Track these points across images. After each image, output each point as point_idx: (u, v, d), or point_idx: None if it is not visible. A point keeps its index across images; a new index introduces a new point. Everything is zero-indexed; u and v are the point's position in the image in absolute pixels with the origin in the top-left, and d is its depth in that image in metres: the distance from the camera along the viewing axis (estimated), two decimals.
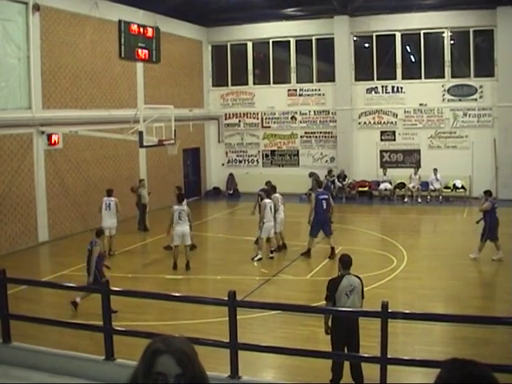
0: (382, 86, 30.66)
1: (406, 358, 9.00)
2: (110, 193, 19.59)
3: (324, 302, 9.54)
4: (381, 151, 30.89)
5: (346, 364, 9.20)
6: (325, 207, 18.47)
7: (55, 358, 8.80)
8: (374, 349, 8.41)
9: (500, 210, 21.94)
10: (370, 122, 30.99)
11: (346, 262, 9.58)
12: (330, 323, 9.25)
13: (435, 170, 28.66)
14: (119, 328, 9.59)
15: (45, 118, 21.29)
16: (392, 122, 30.61)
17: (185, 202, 17.95)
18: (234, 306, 8.30)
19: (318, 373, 9.50)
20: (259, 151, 33.15)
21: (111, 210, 19.19)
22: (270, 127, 32.81)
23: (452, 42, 29.84)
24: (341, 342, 9.11)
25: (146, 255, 20.27)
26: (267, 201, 18.53)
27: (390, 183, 29.82)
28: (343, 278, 9.35)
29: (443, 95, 29.64)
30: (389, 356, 7.80)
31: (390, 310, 7.86)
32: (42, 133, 21.30)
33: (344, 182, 29.98)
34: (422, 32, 29.71)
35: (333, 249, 18.13)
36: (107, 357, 8.67)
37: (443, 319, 10.24)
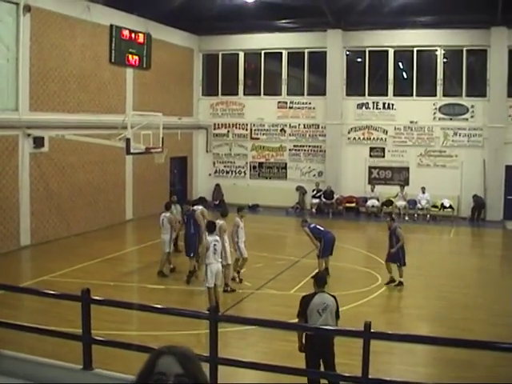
0: (373, 102, 30.62)
1: (387, 378, 8.74)
2: (167, 206, 18.96)
3: (296, 320, 9.44)
4: (369, 167, 30.81)
5: (323, 381, 9.05)
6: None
7: (32, 365, 8.60)
8: (354, 367, 8.22)
9: (488, 232, 21.97)
10: (359, 138, 30.90)
11: (320, 280, 9.59)
12: (304, 340, 9.11)
13: (423, 189, 28.58)
14: (98, 338, 9.36)
15: (31, 120, 21.04)
16: (382, 139, 30.55)
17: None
18: (215, 320, 8.14)
19: None
20: (247, 162, 32.98)
21: (164, 226, 18.03)
22: (258, 139, 32.65)
23: (445, 60, 29.88)
24: (315, 359, 8.98)
25: (129, 263, 19.98)
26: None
27: (378, 200, 29.70)
28: (316, 295, 9.30)
29: (434, 113, 29.61)
30: (370, 376, 7.61)
31: (372, 330, 7.68)
32: (29, 135, 21.02)
33: (332, 201, 29.85)
34: (415, 49, 29.73)
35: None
36: (85, 366, 8.51)
37: (428, 342, 10.03)
